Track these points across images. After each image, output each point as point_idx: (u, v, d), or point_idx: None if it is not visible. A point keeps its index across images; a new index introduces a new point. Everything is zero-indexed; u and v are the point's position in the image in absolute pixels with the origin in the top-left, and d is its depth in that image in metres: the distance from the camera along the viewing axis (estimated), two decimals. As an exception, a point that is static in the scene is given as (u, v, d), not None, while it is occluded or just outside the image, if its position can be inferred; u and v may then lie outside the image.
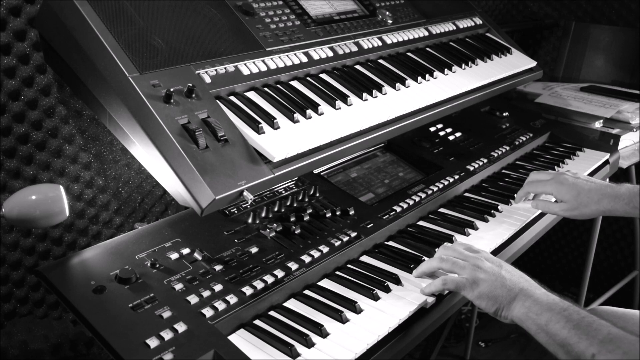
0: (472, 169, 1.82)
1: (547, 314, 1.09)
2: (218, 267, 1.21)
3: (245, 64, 1.38)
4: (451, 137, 2.00)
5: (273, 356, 1.06)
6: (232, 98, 1.34)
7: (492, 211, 1.63)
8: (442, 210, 1.65)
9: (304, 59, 1.51)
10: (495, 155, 1.94)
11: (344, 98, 1.46)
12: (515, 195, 1.70)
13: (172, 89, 1.18)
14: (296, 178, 1.56)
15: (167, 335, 1.02)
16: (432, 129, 2.03)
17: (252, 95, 1.38)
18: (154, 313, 1.07)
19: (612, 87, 2.64)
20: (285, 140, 1.27)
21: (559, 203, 1.61)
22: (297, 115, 1.34)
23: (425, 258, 1.38)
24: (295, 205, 1.48)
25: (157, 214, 1.77)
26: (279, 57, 1.46)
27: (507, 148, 2.00)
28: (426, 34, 1.92)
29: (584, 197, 1.55)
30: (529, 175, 1.69)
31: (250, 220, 1.38)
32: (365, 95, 1.51)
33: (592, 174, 2.00)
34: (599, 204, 1.54)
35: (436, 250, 1.38)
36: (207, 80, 1.29)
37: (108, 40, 1.20)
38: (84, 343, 1.60)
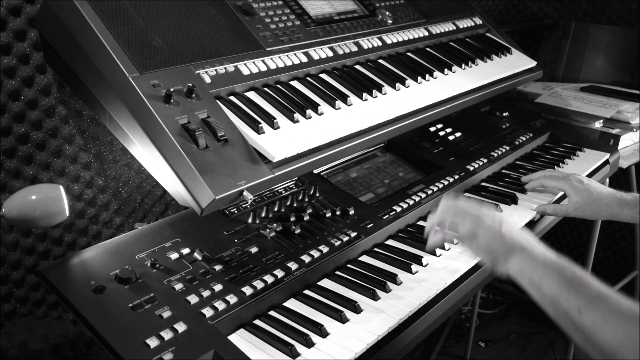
0: (472, 169, 1.82)
1: (541, 270, 1.11)
2: (218, 267, 1.21)
3: (245, 64, 1.38)
4: (451, 137, 2.00)
5: (273, 356, 1.06)
6: (232, 98, 1.34)
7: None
8: (442, 210, 1.64)
9: (304, 59, 1.51)
10: (495, 155, 1.94)
11: (344, 98, 1.46)
12: (527, 178, 1.78)
13: (172, 89, 1.18)
14: (296, 178, 1.56)
15: (167, 335, 1.02)
16: (432, 129, 2.03)
17: (252, 95, 1.38)
18: (154, 313, 1.07)
19: (612, 87, 2.64)
20: (285, 140, 1.27)
21: (570, 203, 1.64)
22: (297, 115, 1.34)
23: (426, 258, 1.38)
24: (295, 205, 1.48)
25: (157, 214, 1.77)
26: (279, 57, 1.46)
27: (507, 148, 2.00)
28: (426, 34, 1.92)
29: (596, 199, 1.61)
30: (544, 171, 1.78)
31: (250, 220, 1.38)
32: (365, 95, 1.51)
33: (592, 174, 2.01)
34: (608, 206, 1.60)
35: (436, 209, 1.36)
36: (207, 80, 1.29)
37: (108, 40, 1.20)
38: (84, 343, 1.60)
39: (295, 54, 1.50)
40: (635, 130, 2.23)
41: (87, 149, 1.54)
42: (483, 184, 1.83)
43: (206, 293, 1.14)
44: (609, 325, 0.96)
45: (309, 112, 1.36)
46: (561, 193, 1.75)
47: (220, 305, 1.12)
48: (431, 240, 1.35)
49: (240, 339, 1.10)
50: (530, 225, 1.64)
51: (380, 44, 1.73)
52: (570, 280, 1.06)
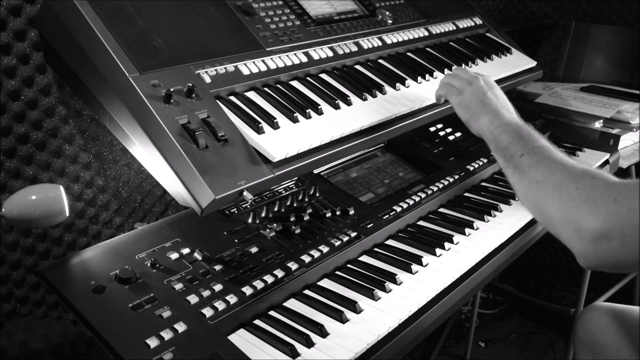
0: (472, 169, 1.82)
1: (503, 127, 1.28)
2: (218, 267, 1.21)
3: (245, 64, 1.38)
4: (451, 137, 2.00)
5: (273, 356, 1.06)
6: (232, 98, 1.34)
7: (492, 211, 1.63)
8: (442, 210, 1.65)
9: (304, 59, 1.51)
10: (495, 155, 1.94)
11: (344, 98, 1.46)
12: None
13: (172, 89, 1.18)
14: (296, 178, 1.56)
15: (167, 335, 1.02)
16: (432, 129, 2.03)
17: (252, 95, 1.38)
18: (154, 313, 1.07)
19: (612, 87, 2.64)
20: (285, 140, 1.27)
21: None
22: (297, 115, 1.34)
23: (426, 258, 1.38)
24: (295, 205, 1.48)
25: (157, 214, 1.77)
26: (279, 57, 1.46)
27: (507, 148, 1.99)
28: (426, 34, 1.92)
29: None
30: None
31: (250, 220, 1.38)
32: (365, 95, 1.51)
33: (592, 174, 2.00)
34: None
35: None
36: (207, 80, 1.29)
37: (108, 40, 1.20)
38: (84, 343, 1.60)
39: (295, 54, 1.50)
40: (635, 130, 2.23)
41: (87, 149, 1.54)
42: (483, 184, 1.83)
43: (206, 293, 1.14)
44: (541, 166, 1.13)
45: (309, 112, 1.36)
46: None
47: (220, 305, 1.12)
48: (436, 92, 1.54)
49: (240, 339, 1.10)
50: (531, 223, 1.64)
51: (380, 44, 1.73)
52: (523, 135, 1.23)
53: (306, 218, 1.42)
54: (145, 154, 1.18)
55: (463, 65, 1.86)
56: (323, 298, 1.23)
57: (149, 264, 1.18)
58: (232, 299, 1.14)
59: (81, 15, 1.20)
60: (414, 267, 1.35)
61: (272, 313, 1.18)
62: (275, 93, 1.40)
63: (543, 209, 1.11)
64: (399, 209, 1.54)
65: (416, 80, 1.67)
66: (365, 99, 1.50)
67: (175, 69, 1.25)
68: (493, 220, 1.60)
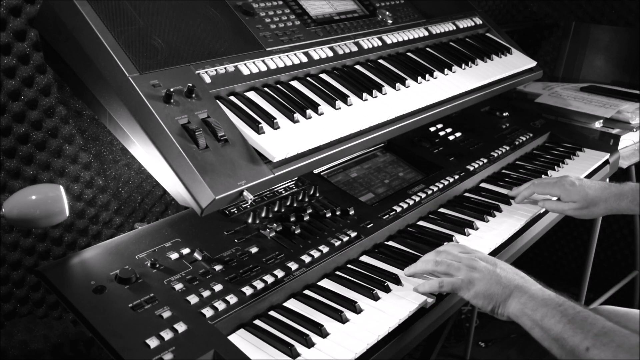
0: (472, 169, 1.82)
1: (542, 309, 1.09)
2: (218, 267, 1.21)
3: (245, 64, 1.38)
4: (451, 137, 2.00)
5: (273, 356, 1.06)
6: (232, 98, 1.34)
7: (492, 211, 1.63)
8: (442, 210, 1.65)
9: (304, 59, 1.51)
10: (495, 155, 1.94)
11: (344, 98, 1.46)
12: (514, 193, 1.72)
13: (172, 89, 1.18)
14: (296, 178, 1.56)
15: (167, 335, 1.02)
16: (432, 129, 2.03)
17: (252, 95, 1.38)
18: (154, 313, 1.07)
19: (612, 87, 2.64)
20: (285, 140, 1.27)
21: (568, 202, 1.63)
22: (297, 115, 1.34)
23: (425, 258, 1.38)
24: (295, 205, 1.48)
25: (157, 214, 1.77)
26: (279, 57, 1.46)
27: (507, 148, 2.00)
28: (426, 34, 1.92)
29: (593, 197, 1.60)
30: (533, 180, 1.71)
31: (250, 220, 1.38)
32: (365, 95, 1.51)
33: (592, 174, 2.01)
34: (606, 202, 1.59)
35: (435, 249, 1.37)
36: (207, 80, 1.29)
37: (108, 40, 1.20)
38: (84, 343, 1.59)
39: (295, 54, 1.50)
40: (635, 130, 2.23)
41: (87, 149, 1.54)
42: (483, 184, 1.83)
43: (206, 293, 1.14)
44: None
45: (309, 112, 1.36)
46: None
47: (220, 305, 1.11)
48: (425, 287, 1.27)
49: (240, 339, 1.10)
50: (531, 223, 1.64)
51: (380, 44, 1.73)
52: (573, 317, 1.05)
53: (306, 218, 1.42)
54: (145, 154, 1.18)
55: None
56: (323, 298, 1.23)
57: (149, 264, 1.18)
58: (232, 299, 1.14)
59: (81, 15, 1.20)
60: (414, 267, 1.34)
61: (272, 313, 1.18)
62: (275, 93, 1.40)
63: None
64: (399, 209, 1.54)
65: (416, 80, 1.67)
66: (365, 99, 1.50)
67: (175, 69, 1.25)
68: (493, 221, 1.60)
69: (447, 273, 1.25)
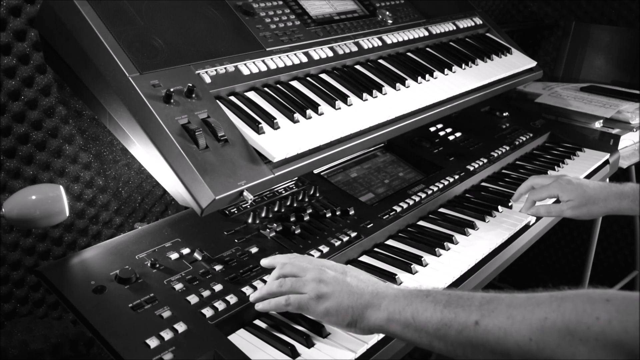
0: (472, 169, 1.82)
1: (410, 307, 0.96)
2: (218, 267, 1.21)
3: (245, 64, 1.38)
4: (451, 137, 2.00)
5: (273, 356, 1.06)
6: (232, 98, 1.34)
7: (492, 211, 1.63)
8: (442, 210, 1.65)
9: (304, 59, 1.51)
10: (495, 155, 1.94)
11: (344, 98, 1.46)
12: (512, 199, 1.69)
13: (172, 89, 1.18)
14: (296, 178, 1.56)
15: (167, 335, 1.02)
16: (432, 129, 2.03)
17: (252, 95, 1.38)
18: (154, 313, 1.07)
19: (612, 87, 2.64)
20: (285, 140, 1.27)
21: (565, 202, 1.56)
22: (297, 115, 1.34)
23: (426, 258, 1.38)
24: (295, 205, 1.48)
25: (157, 214, 1.77)
26: (279, 57, 1.46)
27: (507, 148, 2.00)
28: (426, 34, 1.92)
29: (592, 195, 1.53)
30: (529, 179, 1.66)
31: (250, 220, 1.38)
32: (365, 95, 1.50)
33: (592, 174, 2.01)
34: (606, 201, 1.53)
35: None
36: (207, 80, 1.29)
37: (108, 40, 1.19)
38: (84, 343, 1.59)
39: (295, 54, 1.50)
40: (635, 130, 2.23)
41: (87, 149, 1.54)
42: (483, 184, 1.83)
43: (206, 293, 1.14)
44: (517, 320, 0.85)
45: (309, 112, 1.36)
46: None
47: (220, 305, 1.11)
48: (271, 304, 1.11)
49: (240, 339, 1.10)
50: (527, 227, 1.64)
51: (380, 44, 1.73)
52: (447, 301, 0.94)
53: (306, 218, 1.42)
54: (145, 154, 1.18)
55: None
56: (323, 298, 1.23)
57: (149, 264, 1.18)
58: (232, 299, 1.14)
59: (81, 15, 1.20)
60: (414, 267, 1.35)
61: (272, 313, 1.18)
62: (275, 93, 1.40)
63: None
64: (399, 209, 1.54)
65: (416, 80, 1.67)
66: (365, 99, 1.50)
67: (175, 69, 1.25)
68: (493, 221, 1.60)
69: (294, 291, 1.09)
